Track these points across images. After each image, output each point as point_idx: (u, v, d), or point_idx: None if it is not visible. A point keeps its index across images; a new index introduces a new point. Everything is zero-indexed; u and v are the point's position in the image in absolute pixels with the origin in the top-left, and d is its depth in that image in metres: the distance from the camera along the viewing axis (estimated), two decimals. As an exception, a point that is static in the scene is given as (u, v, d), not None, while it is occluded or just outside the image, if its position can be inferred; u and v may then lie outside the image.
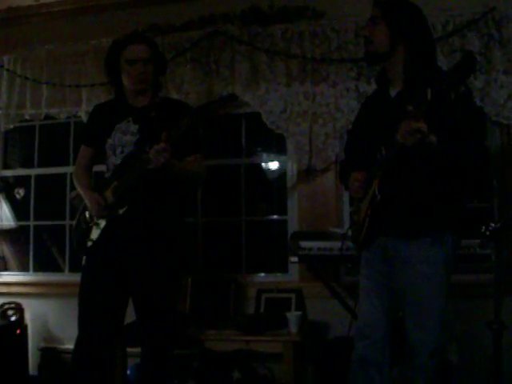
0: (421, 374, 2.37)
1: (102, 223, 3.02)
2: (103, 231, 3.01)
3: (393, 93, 2.52)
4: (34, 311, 4.43)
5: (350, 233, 2.74)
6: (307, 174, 4.06)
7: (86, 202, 3.10)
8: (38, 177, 4.84)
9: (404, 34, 2.44)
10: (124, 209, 2.97)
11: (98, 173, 3.35)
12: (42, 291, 4.52)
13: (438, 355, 2.38)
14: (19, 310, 4.32)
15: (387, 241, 2.46)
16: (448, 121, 2.27)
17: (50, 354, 4.35)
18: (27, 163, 4.91)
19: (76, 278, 3.18)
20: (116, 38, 3.19)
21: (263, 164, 4.61)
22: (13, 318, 4.28)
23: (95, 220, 3.05)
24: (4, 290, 4.54)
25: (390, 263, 2.46)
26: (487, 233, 2.91)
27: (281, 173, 4.47)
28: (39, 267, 4.78)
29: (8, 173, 4.97)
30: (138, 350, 3.14)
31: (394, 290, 2.47)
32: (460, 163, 2.32)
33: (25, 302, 4.38)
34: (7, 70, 4.52)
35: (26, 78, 4.47)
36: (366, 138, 2.58)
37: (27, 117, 4.53)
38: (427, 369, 2.36)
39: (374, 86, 3.73)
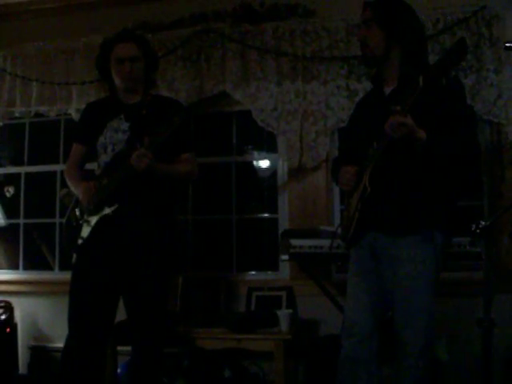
0: (411, 372, 2.37)
1: (93, 221, 3.01)
2: (93, 229, 3.00)
3: (387, 91, 2.53)
4: (23, 309, 4.41)
5: (339, 231, 2.74)
6: (298, 172, 4.06)
7: (78, 193, 3.08)
8: (28, 174, 4.81)
9: (399, 36, 2.44)
10: (113, 208, 2.96)
11: (89, 171, 3.33)
12: (31, 289, 4.51)
13: (428, 354, 2.38)
14: (9, 308, 4.29)
15: (376, 237, 2.46)
16: (440, 109, 2.29)
17: (39, 352, 4.33)
18: (17, 161, 4.88)
19: (66, 276, 3.17)
20: (106, 37, 3.19)
21: (254, 162, 4.61)
22: (2, 317, 4.25)
23: (85, 217, 3.04)
24: (-7, 288, 4.53)
25: (379, 261, 2.46)
26: (477, 231, 2.92)
27: (271, 171, 4.46)
28: (29, 265, 4.76)
29: (-2, 170, 4.95)
30: (128, 348, 3.13)
31: (382, 288, 2.47)
32: (450, 158, 2.33)
33: (14, 301, 4.36)
34: (-3, 67, 4.51)
35: (16, 76, 4.45)
36: (359, 135, 2.59)
37: (17, 114, 4.53)
38: (417, 368, 2.36)
39: (364, 84, 3.78)
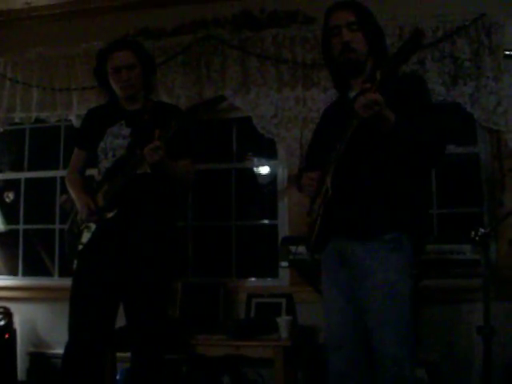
0: None
1: (93, 226, 3.01)
2: (93, 235, 3.00)
3: (351, 95, 2.43)
4: (22, 316, 4.40)
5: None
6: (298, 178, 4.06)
7: (77, 204, 3.08)
8: (28, 180, 4.82)
9: (376, 45, 2.39)
10: (113, 212, 2.96)
11: (90, 177, 3.34)
12: (31, 295, 4.50)
13: (409, 365, 2.24)
14: (8, 314, 4.28)
15: (342, 244, 2.35)
16: (399, 101, 2.19)
17: (38, 358, 4.31)
18: (17, 166, 4.89)
19: (65, 282, 3.17)
20: (102, 47, 3.19)
21: (254, 168, 4.61)
22: (1, 323, 4.24)
23: (86, 223, 3.04)
24: (-7, 294, 4.52)
25: (350, 270, 2.34)
26: (477, 238, 2.92)
27: (271, 177, 4.46)
28: (28, 271, 4.75)
29: (-3, 176, 4.95)
30: (127, 354, 3.12)
31: (356, 298, 2.34)
32: (417, 143, 2.20)
33: (14, 307, 4.35)
34: (-3, 72, 4.52)
35: (17, 81, 4.46)
36: (324, 142, 2.49)
37: (17, 120, 4.53)
38: (399, 380, 2.22)
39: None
